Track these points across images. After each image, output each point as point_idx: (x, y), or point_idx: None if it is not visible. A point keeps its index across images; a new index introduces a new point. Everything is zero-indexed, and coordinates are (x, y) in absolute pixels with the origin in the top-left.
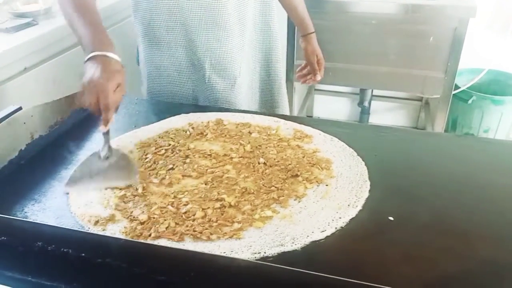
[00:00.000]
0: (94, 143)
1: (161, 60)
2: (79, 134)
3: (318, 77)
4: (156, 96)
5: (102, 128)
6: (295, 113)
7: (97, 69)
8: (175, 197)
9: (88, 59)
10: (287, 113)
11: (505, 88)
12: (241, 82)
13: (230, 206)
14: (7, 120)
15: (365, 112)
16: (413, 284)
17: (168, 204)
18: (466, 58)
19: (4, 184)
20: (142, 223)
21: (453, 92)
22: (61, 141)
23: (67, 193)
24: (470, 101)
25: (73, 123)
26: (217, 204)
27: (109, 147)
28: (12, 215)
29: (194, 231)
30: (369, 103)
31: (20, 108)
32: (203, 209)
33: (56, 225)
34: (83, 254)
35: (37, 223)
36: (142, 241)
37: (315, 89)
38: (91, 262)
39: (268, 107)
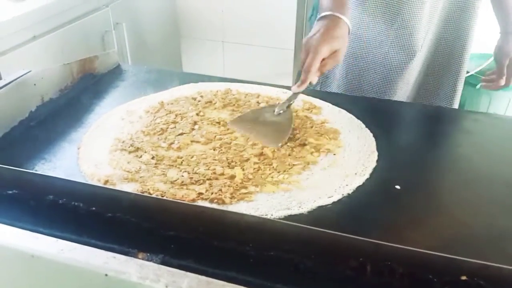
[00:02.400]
0: (103, 108)
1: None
2: (88, 99)
3: (502, 83)
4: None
5: (294, 88)
6: None
7: (321, 30)
8: (182, 162)
9: (319, 19)
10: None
11: None
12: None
13: (243, 170)
14: (17, 81)
15: None
16: (416, 247)
17: (182, 171)
18: (475, 43)
19: (15, 144)
20: (153, 189)
21: None
22: (71, 104)
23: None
24: (478, 86)
25: (83, 88)
26: (228, 170)
27: (288, 107)
28: None
29: (209, 193)
30: None
31: (30, 72)
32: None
33: (67, 178)
34: (93, 208)
35: (48, 176)
36: (152, 195)
37: None
38: (101, 216)
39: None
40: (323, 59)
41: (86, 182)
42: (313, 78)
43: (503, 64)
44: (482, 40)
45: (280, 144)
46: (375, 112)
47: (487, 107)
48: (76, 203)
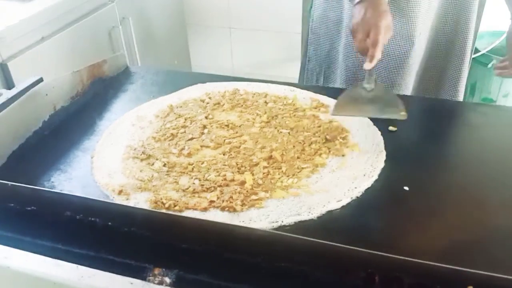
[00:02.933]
0: (114, 113)
1: None
2: (99, 105)
3: None
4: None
5: (367, 65)
6: None
7: (368, 10)
8: (193, 168)
9: (357, 3)
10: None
11: None
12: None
13: (253, 175)
14: (29, 92)
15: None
16: (426, 253)
17: (194, 178)
18: (487, 21)
19: (31, 154)
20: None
21: (473, 56)
22: (83, 111)
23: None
24: (490, 65)
25: (94, 94)
26: (238, 176)
27: (375, 81)
28: (39, 184)
29: (221, 201)
30: None
31: (41, 79)
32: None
33: (83, 196)
34: (109, 223)
35: (65, 194)
36: (164, 211)
37: None
38: (117, 230)
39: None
40: None
41: (101, 200)
42: (379, 52)
43: None
44: (492, 18)
45: (404, 114)
46: None
47: (498, 87)
48: (92, 219)
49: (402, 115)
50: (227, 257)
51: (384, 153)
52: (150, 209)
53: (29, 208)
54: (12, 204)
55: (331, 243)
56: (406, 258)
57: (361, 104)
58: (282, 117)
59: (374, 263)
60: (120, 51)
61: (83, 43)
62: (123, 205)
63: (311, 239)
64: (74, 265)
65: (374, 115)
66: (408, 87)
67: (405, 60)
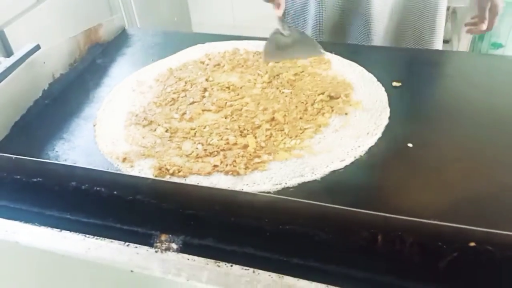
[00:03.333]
0: (114, 79)
1: None
2: (98, 70)
3: (483, 27)
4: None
5: (278, 12)
6: None
7: None
8: (196, 133)
9: None
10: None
11: None
12: None
13: (255, 138)
14: (27, 61)
15: None
16: (428, 209)
17: (197, 143)
18: None
19: (33, 124)
20: (170, 164)
21: None
22: (81, 78)
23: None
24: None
25: (91, 60)
26: (241, 139)
27: (289, 27)
28: (44, 154)
29: (224, 165)
30: None
31: (38, 46)
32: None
33: (88, 167)
34: (115, 192)
35: (70, 165)
36: (168, 177)
37: None
38: (123, 199)
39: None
40: None
41: (105, 170)
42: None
43: (484, 8)
44: None
45: (322, 51)
46: (381, 62)
47: (508, 30)
48: (98, 189)
49: (321, 52)
50: (232, 221)
51: (388, 109)
52: (154, 177)
53: (35, 180)
54: (18, 177)
55: (332, 205)
56: (407, 218)
57: (284, 49)
58: (284, 76)
59: (376, 223)
60: (117, 12)
61: (79, 4)
62: (127, 175)
63: (313, 202)
64: (81, 237)
65: (299, 56)
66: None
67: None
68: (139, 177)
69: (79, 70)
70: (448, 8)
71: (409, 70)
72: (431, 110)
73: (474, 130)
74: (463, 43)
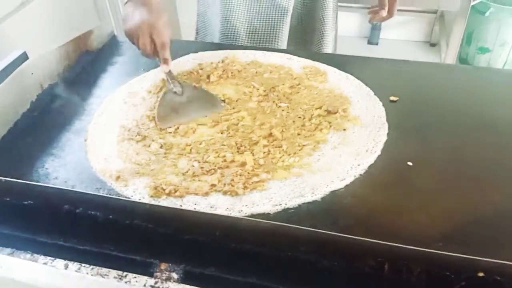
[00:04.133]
0: (104, 90)
1: None
2: (87, 81)
3: (384, 13)
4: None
5: (165, 68)
6: None
7: (142, 11)
8: (191, 149)
9: (127, 2)
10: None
11: None
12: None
13: (253, 155)
14: (15, 72)
15: (376, 28)
16: (428, 232)
17: (192, 160)
18: None
19: (21, 137)
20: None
21: (471, 4)
22: (71, 89)
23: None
24: (487, 13)
25: (81, 68)
26: (239, 157)
27: (179, 83)
28: (34, 171)
29: (222, 185)
30: None
31: (24, 53)
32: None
33: (82, 191)
34: (110, 217)
35: (62, 188)
36: (165, 198)
37: None
38: (119, 224)
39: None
40: None
41: (100, 194)
42: (169, 52)
43: None
44: None
45: (222, 104)
46: (375, 74)
47: (495, 35)
48: (93, 213)
49: (220, 106)
50: (234, 248)
51: (386, 125)
52: (149, 197)
53: (25, 203)
54: (7, 199)
55: (339, 234)
56: (416, 248)
57: (181, 109)
58: (279, 89)
59: (383, 252)
60: (105, 16)
61: (66, 8)
62: (124, 200)
63: (318, 230)
64: (76, 266)
65: (198, 115)
66: (283, 40)
67: (280, 26)
68: (136, 202)
69: (68, 80)
70: (435, 12)
71: (405, 84)
72: (429, 126)
73: (475, 147)
74: (451, 47)
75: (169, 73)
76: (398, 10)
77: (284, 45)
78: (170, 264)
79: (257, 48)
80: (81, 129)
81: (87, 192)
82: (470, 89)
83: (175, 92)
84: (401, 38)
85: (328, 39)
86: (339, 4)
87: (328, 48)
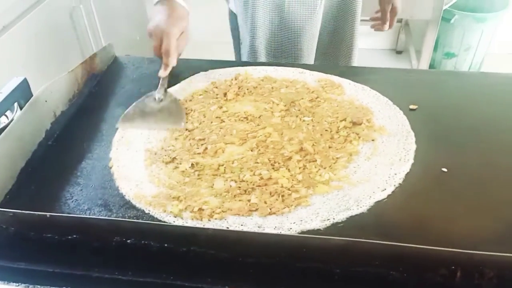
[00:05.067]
0: (116, 113)
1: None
2: (99, 105)
3: (386, 27)
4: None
5: (161, 73)
6: None
7: (163, 14)
8: (225, 169)
9: (156, 3)
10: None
11: (483, 4)
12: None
13: (289, 171)
14: (30, 101)
15: None
16: (481, 236)
17: (229, 180)
18: None
19: (40, 168)
20: (205, 204)
21: None
22: (83, 114)
23: (117, 128)
24: (452, 20)
25: (89, 93)
26: (275, 174)
27: (165, 91)
28: (63, 203)
29: (264, 203)
30: None
31: (25, 80)
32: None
33: (135, 220)
34: (166, 245)
35: (113, 219)
36: (229, 229)
37: None
38: (175, 251)
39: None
40: (176, 40)
41: (154, 222)
42: (174, 60)
43: (386, 10)
44: None
45: (183, 124)
46: (387, 83)
47: (460, 41)
48: (146, 242)
49: (179, 124)
50: (301, 267)
51: (412, 133)
52: (195, 225)
53: (69, 237)
54: (50, 235)
55: (411, 245)
56: (489, 253)
57: (147, 115)
58: (299, 103)
59: (456, 260)
60: (84, 35)
61: (45, 28)
62: (179, 226)
63: (388, 243)
64: None
65: (155, 126)
66: (310, 53)
67: (306, 27)
68: (193, 227)
69: (78, 105)
70: (400, 20)
71: (421, 92)
72: (454, 131)
73: (502, 148)
74: (425, 53)
75: (164, 79)
76: (365, 20)
77: (311, 60)
78: None
79: (266, 63)
80: (102, 156)
81: (141, 221)
82: (483, 94)
83: (155, 99)
84: (369, 47)
85: (356, 52)
86: None
87: (354, 61)
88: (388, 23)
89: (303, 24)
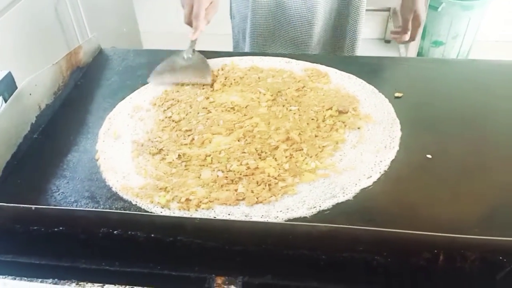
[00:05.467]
0: (104, 105)
1: None
2: (84, 97)
3: (406, 38)
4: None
5: (191, 36)
6: None
7: None
8: (212, 159)
9: None
10: None
11: None
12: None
13: (275, 160)
14: (14, 94)
15: None
16: (464, 219)
17: (216, 170)
18: None
19: (27, 162)
20: (193, 194)
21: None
22: (68, 107)
23: (149, 82)
24: (440, 9)
25: (74, 85)
26: (262, 163)
27: (193, 51)
28: (49, 196)
29: (251, 192)
30: None
31: (10, 74)
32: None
33: (122, 211)
34: (152, 235)
35: (101, 211)
36: (216, 218)
37: None
38: (162, 241)
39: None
40: (206, 9)
41: (141, 213)
42: (203, 24)
43: (407, 19)
44: None
45: (209, 79)
46: (374, 72)
47: (448, 29)
48: (133, 233)
49: (206, 79)
50: (287, 254)
51: (397, 121)
52: (182, 215)
53: (56, 230)
54: (36, 227)
55: (394, 230)
56: (473, 237)
57: (177, 71)
58: (286, 92)
59: (439, 244)
60: (68, 27)
61: (30, 23)
62: (166, 217)
63: (372, 228)
64: None
65: (183, 80)
66: (312, 43)
67: (311, 17)
68: (179, 217)
69: (63, 98)
70: (389, 9)
71: (405, 79)
72: (439, 119)
73: (485, 134)
74: (412, 43)
75: (193, 41)
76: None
77: (314, 51)
78: (227, 277)
79: (253, 54)
80: (89, 148)
81: (128, 212)
82: (470, 81)
83: (183, 57)
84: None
85: (359, 43)
86: None
87: (357, 52)
88: (409, 33)
89: (303, 16)
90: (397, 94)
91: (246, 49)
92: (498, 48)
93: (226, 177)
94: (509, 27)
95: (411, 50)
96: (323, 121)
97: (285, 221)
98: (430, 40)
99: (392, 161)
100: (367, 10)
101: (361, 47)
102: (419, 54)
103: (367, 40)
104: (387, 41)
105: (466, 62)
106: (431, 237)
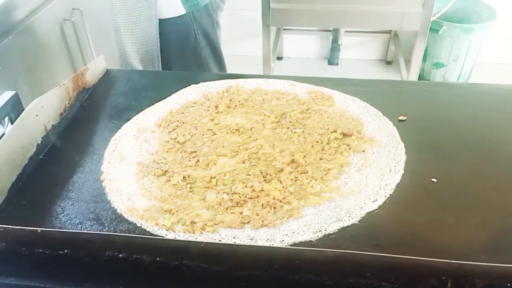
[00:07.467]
0: (109, 126)
1: None
2: (90, 118)
3: None
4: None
5: None
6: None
7: None
8: (217, 182)
9: None
10: None
11: (471, 15)
12: None
13: (281, 183)
14: (21, 115)
15: (335, 49)
16: (469, 245)
17: (221, 192)
18: None
19: (32, 184)
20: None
21: None
22: (74, 128)
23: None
24: (441, 31)
25: (80, 106)
26: (267, 186)
27: None
28: (54, 218)
29: (256, 215)
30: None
31: (16, 94)
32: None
33: (127, 235)
34: (158, 259)
35: (105, 234)
36: (222, 242)
37: (284, 29)
38: (167, 265)
39: None
40: None
41: (146, 236)
42: None
43: None
44: None
45: None
46: (377, 95)
47: (449, 51)
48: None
49: None
50: (293, 279)
51: (402, 144)
52: (187, 238)
53: (61, 252)
54: (41, 250)
55: (401, 256)
56: (478, 263)
57: None
58: (290, 115)
59: (447, 271)
60: (72, 45)
61: (36, 43)
62: (172, 240)
63: (379, 254)
64: None
65: None
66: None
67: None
68: (185, 241)
69: (69, 119)
70: (389, 32)
71: (409, 103)
72: (443, 142)
73: (490, 158)
74: (414, 64)
75: None
76: (355, 31)
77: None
78: None
79: (257, 76)
80: (94, 169)
81: (133, 235)
82: (473, 105)
83: None
84: (359, 57)
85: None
86: (300, 28)
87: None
88: None
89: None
90: (401, 118)
91: None
92: (499, 70)
93: (231, 199)
94: (508, 50)
95: (413, 72)
96: (328, 143)
97: (291, 245)
98: (431, 62)
99: (397, 185)
100: (368, 32)
101: (363, 69)
102: (420, 76)
103: (368, 61)
104: (389, 63)
105: (468, 86)
106: (439, 263)
